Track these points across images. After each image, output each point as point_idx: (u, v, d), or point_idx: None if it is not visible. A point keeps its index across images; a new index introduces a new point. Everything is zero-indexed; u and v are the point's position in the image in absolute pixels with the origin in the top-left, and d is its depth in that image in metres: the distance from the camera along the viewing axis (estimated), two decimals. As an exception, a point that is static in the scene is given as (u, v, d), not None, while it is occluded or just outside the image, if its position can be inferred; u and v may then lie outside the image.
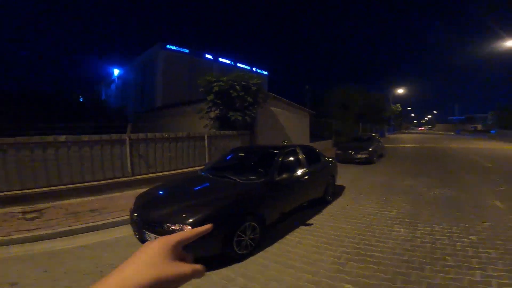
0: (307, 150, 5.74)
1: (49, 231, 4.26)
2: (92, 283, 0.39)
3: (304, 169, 4.96)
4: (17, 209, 5.21)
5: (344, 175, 8.96)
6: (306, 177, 4.88)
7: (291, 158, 5.04)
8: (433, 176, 8.41)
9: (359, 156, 11.58)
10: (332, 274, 2.99)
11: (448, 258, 3.26)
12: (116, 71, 34.11)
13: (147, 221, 3.28)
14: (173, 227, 2.99)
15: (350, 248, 3.60)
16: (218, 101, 8.85)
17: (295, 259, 3.34)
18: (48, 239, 4.16)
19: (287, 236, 4.06)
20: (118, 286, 0.38)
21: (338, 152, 12.39)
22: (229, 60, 31.42)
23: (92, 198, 5.88)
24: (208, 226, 0.55)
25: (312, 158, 5.63)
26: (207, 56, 28.70)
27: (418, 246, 3.59)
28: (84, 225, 4.46)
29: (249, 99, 8.85)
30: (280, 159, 4.52)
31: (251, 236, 3.45)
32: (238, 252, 3.27)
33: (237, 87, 8.63)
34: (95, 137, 6.25)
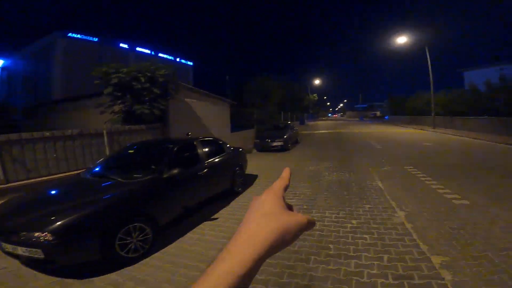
0: (208, 142, 5.84)
1: None
2: None
3: (203, 162, 5.02)
4: None
5: (260, 163, 9.58)
6: (205, 171, 4.90)
7: (187, 153, 5.00)
8: (335, 160, 9.73)
9: (274, 144, 12.48)
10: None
11: (331, 246, 3.40)
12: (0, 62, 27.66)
13: (1, 231, 2.91)
14: (31, 235, 2.73)
15: None
16: (119, 93, 8.17)
17: (191, 258, 3.33)
18: None
19: (189, 234, 4.03)
20: (246, 243, 0.36)
21: (257, 141, 13.08)
22: (148, 49, 29.18)
23: None
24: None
25: (214, 150, 5.77)
26: (122, 45, 26.10)
27: (309, 235, 3.62)
28: None
29: (155, 91, 8.38)
30: (172, 154, 4.41)
31: (140, 238, 3.34)
32: (125, 255, 3.16)
33: (142, 78, 8.07)
34: None
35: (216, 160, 5.52)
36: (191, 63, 38.80)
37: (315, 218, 0.50)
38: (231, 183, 5.81)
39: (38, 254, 2.71)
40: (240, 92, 22.19)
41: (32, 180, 5.93)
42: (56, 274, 3.00)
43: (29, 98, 21.89)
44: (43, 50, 22.27)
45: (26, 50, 24.42)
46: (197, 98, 12.12)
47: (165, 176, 3.94)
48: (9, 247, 2.81)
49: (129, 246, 3.19)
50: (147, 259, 3.31)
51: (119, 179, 3.87)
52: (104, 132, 7.37)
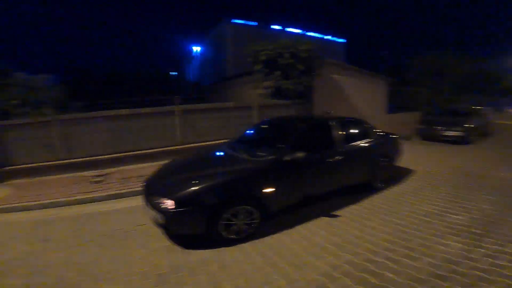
0: (349, 124, 4.63)
1: (101, 194, 4.85)
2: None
3: (337, 147, 3.99)
4: (92, 173, 6.15)
5: (421, 155, 7.19)
6: (337, 158, 3.90)
7: (319, 134, 4.14)
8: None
9: (449, 133, 9.12)
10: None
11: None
12: (195, 48, 36.91)
13: (148, 192, 3.29)
14: (158, 200, 2.93)
15: (359, 259, 2.70)
16: (267, 70, 8.38)
17: (284, 257, 2.80)
18: (98, 201, 4.73)
19: (297, 227, 3.43)
20: None
21: (421, 126, 10.10)
22: (297, 29, 29.61)
23: (145, 164, 6.42)
24: None
25: (356, 134, 4.52)
26: (274, 27, 27.94)
27: (459, 273, 2.41)
28: (127, 190, 4.90)
29: (299, 66, 8.05)
30: (298, 134, 3.73)
31: (246, 221, 3.08)
32: (226, 236, 3.01)
33: (285, 54, 7.94)
34: (149, 109, 6.70)
35: (356, 146, 4.34)
36: (343, 40, 36.43)
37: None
38: (371, 176, 4.52)
39: (160, 218, 2.90)
40: (401, 69, 18.10)
41: (199, 144, 7.07)
42: (173, 240, 3.18)
43: (214, 77, 27.96)
44: (218, 36, 27.50)
45: (208, 37, 31.21)
46: (346, 74, 10.67)
47: (286, 158, 3.37)
48: (150, 208, 3.08)
49: (232, 227, 3.03)
50: (245, 244, 3.05)
51: (243, 156, 3.67)
52: (254, 105, 7.72)
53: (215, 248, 3.00)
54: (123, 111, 6.44)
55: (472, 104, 15.54)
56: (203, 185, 2.98)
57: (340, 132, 4.11)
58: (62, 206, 4.59)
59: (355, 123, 4.75)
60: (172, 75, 28.44)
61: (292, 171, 3.47)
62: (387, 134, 5.14)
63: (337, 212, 3.84)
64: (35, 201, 4.64)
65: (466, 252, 2.75)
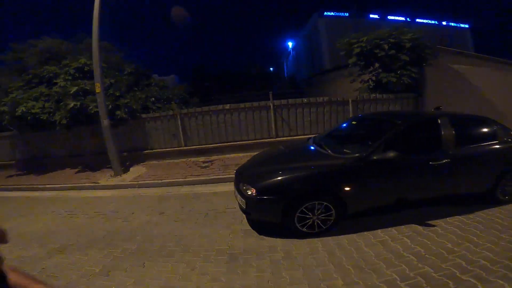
0: (467, 122, 3.74)
1: (206, 177, 5.68)
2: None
3: (446, 149, 3.26)
4: (202, 158, 7.27)
5: None
6: (444, 161, 3.19)
7: (423, 133, 3.53)
8: None
9: None
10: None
11: None
12: (290, 44, 37.87)
13: (238, 180, 3.55)
14: (244, 187, 3.17)
15: (439, 274, 2.29)
16: (362, 63, 7.80)
17: (350, 259, 2.64)
18: (204, 184, 5.54)
19: (379, 231, 3.09)
20: None
21: None
22: (402, 17, 26.02)
23: (243, 154, 7.05)
24: None
25: (476, 134, 3.58)
26: (372, 16, 25.53)
27: None
28: (226, 176, 5.54)
29: (403, 57, 7.08)
30: (393, 132, 3.23)
31: (321, 217, 3.03)
32: (299, 228, 3.05)
33: (384, 46, 7.13)
34: (248, 104, 7.32)
35: (474, 149, 3.42)
36: (466, 26, 29.89)
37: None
38: (493, 186, 3.52)
39: (243, 204, 3.16)
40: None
41: (291, 138, 7.25)
42: (253, 225, 3.45)
43: (309, 71, 28.19)
44: (311, 30, 27.45)
45: (302, 32, 31.53)
46: (473, 64, 8.63)
47: (375, 157, 3.02)
48: (237, 194, 3.37)
49: (307, 221, 3.03)
50: (316, 239, 3.03)
51: (329, 151, 3.48)
52: (350, 100, 7.29)
53: (288, 238, 3.08)
54: (226, 106, 7.28)
55: None
56: (283, 177, 3.08)
57: (453, 132, 3.38)
58: (177, 185, 5.61)
59: (477, 121, 3.77)
60: (271, 71, 30.10)
61: (381, 171, 3.11)
62: None
63: (434, 222, 3.22)
64: (160, 179, 5.85)
65: None
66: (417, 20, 27.02)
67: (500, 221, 3.17)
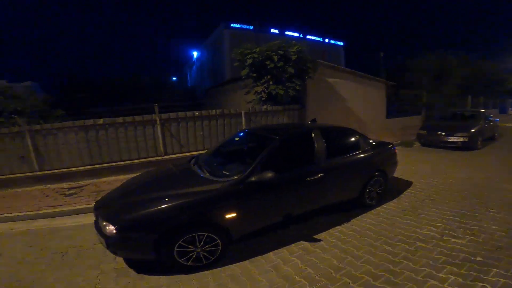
0: (336, 133, 4.14)
1: (69, 208, 4.49)
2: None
3: (320, 162, 3.48)
4: (66, 185, 5.76)
5: (421, 165, 6.67)
6: (319, 176, 3.38)
7: (297, 147, 3.66)
8: None
9: (453, 139, 8.59)
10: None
11: None
12: (195, 54, 36.92)
13: (96, 214, 2.97)
14: (104, 223, 2.64)
15: None
16: (254, 74, 7.89)
17: None
18: (65, 215, 4.40)
19: (271, 254, 3.02)
20: None
21: (422, 132, 9.58)
22: (296, 33, 29.44)
23: (125, 176, 6.00)
24: None
25: (344, 145, 4.03)
26: (273, 30, 27.83)
27: None
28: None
29: (289, 70, 7.52)
30: (270, 150, 3.18)
31: (205, 248, 2.74)
32: (184, 263, 2.70)
33: (275, 57, 7.42)
34: (129, 118, 6.30)
35: (343, 160, 3.81)
36: (341, 43, 36.17)
37: None
38: (360, 192, 4.01)
39: (104, 244, 2.67)
40: (401, 71, 17.53)
41: (182, 155, 6.65)
42: (130, 262, 2.94)
43: (211, 82, 27.75)
44: (216, 40, 27.61)
45: (207, 42, 31.16)
46: (342, 77, 10.22)
47: (253, 179, 2.91)
48: (96, 230, 2.83)
49: (191, 254, 2.71)
50: (206, 272, 2.74)
51: (206, 174, 3.22)
52: (242, 112, 7.29)
53: (174, 274, 2.67)
54: (100, 121, 6.05)
55: (475, 107, 14.97)
56: (150, 210, 2.62)
57: (324, 144, 3.62)
58: (28, 219, 4.30)
59: (344, 132, 4.23)
60: (170, 82, 28.27)
61: (260, 193, 2.99)
62: (381, 144, 4.64)
63: (319, 235, 3.37)
64: (2, 213, 4.33)
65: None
66: (308, 36, 31.14)
67: (372, 228, 3.50)
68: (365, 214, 3.94)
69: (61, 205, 4.61)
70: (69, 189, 5.49)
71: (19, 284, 2.68)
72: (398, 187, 4.99)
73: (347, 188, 3.89)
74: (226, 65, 24.37)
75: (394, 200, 4.42)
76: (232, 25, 25.70)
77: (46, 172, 5.81)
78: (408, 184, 5.19)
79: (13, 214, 4.35)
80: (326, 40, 34.09)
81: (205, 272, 2.72)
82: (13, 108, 6.74)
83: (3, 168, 5.64)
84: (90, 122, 6.00)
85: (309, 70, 8.16)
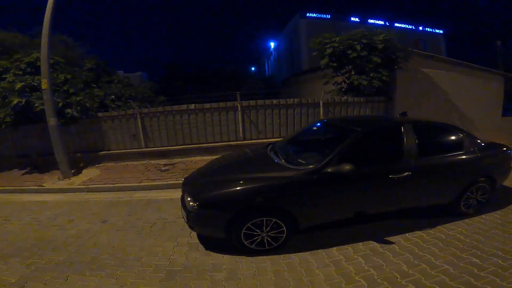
0: (432, 130, 3.56)
1: (163, 182, 5.28)
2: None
3: (408, 159, 3.06)
4: (163, 161, 6.81)
5: None
6: (405, 174, 2.97)
7: (383, 142, 3.31)
8: None
9: None
10: None
11: None
12: (272, 44, 37.71)
13: (183, 190, 3.26)
14: (188, 199, 2.90)
15: None
16: (334, 64, 7.49)
17: (298, 282, 2.41)
18: (160, 189, 5.16)
19: (334, 249, 2.89)
20: None
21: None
22: (381, 20, 26.55)
23: (209, 157, 6.66)
24: None
25: (441, 143, 3.44)
26: (352, 19, 25.86)
27: None
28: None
29: (375, 59, 6.87)
30: (350, 142, 2.96)
31: (271, 234, 2.79)
32: (248, 246, 2.80)
33: (357, 46, 6.89)
34: (214, 105, 6.95)
35: (438, 159, 3.23)
36: (441, 31, 30.96)
37: None
38: (456, 198, 3.36)
39: (185, 217, 2.90)
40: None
41: (259, 141, 6.93)
42: (201, 238, 3.18)
43: (288, 71, 27.99)
44: (293, 31, 27.36)
45: (284, 32, 31.38)
46: (444, 68, 8.70)
47: (329, 170, 2.75)
48: (181, 205, 3.12)
49: (256, 238, 2.77)
50: (266, 257, 2.78)
51: (282, 161, 3.18)
52: (321, 102, 7.09)
53: (236, 255, 2.83)
54: (191, 106, 6.86)
55: None
56: (228, 190, 2.80)
57: (416, 141, 3.16)
58: (131, 190, 5.18)
59: (441, 129, 3.60)
60: (250, 71, 29.69)
61: (336, 185, 2.85)
62: (493, 145, 3.76)
63: (393, 238, 3.03)
64: (112, 183, 5.40)
65: None
66: (396, 24, 27.66)
67: (462, 238, 3.00)
68: (456, 222, 3.36)
69: (157, 179, 5.46)
70: (164, 165, 6.46)
71: (112, 250, 3.03)
72: (505, 199, 4.01)
73: (440, 191, 3.35)
74: (303, 55, 24.01)
75: (498, 212, 3.60)
76: (308, 14, 25.02)
77: (149, 149, 6.96)
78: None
79: (120, 185, 5.30)
80: (420, 28, 29.67)
81: (265, 257, 2.78)
82: (128, 94, 8.27)
83: (119, 144, 7.01)
84: (184, 107, 6.88)
85: (398, 60, 7.32)
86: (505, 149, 3.73)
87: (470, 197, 3.46)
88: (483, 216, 3.51)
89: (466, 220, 3.42)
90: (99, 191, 5.25)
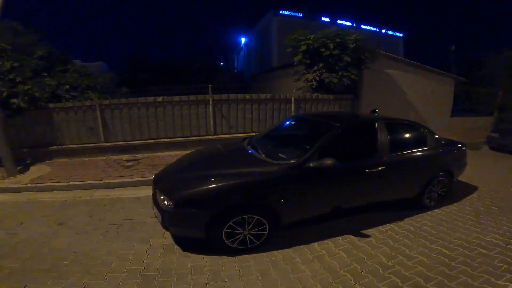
0: (401, 127, 3.77)
1: (127, 180, 4.87)
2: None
3: (381, 155, 3.21)
4: (126, 157, 6.31)
5: (490, 170, 5.86)
6: (379, 169, 3.13)
7: (359, 137, 3.42)
8: None
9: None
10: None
11: None
12: (243, 40, 37.31)
13: (155, 188, 3.03)
14: (162, 197, 2.69)
15: None
16: (307, 61, 7.62)
17: (284, 279, 2.38)
18: (124, 187, 4.76)
19: (316, 244, 2.91)
20: None
21: (494, 134, 8.38)
22: (349, 22, 27.71)
23: (177, 152, 6.35)
24: None
25: (409, 140, 3.67)
26: (323, 19, 26.58)
27: None
28: (152, 178, 4.78)
29: (346, 58, 7.15)
30: (330, 137, 3.02)
31: (253, 232, 2.71)
32: (229, 245, 2.68)
33: (330, 44, 7.09)
34: (184, 97, 6.60)
35: (407, 155, 3.46)
36: (400, 35, 33.25)
37: None
38: (420, 191, 3.64)
39: (159, 217, 2.71)
40: (473, 67, 15.36)
41: (231, 136, 6.78)
42: (176, 239, 2.98)
43: (258, 67, 27.83)
44: (264, 27, 27.35)
45: (255, 28, 31.22)
46: (403, 69, 9.35)
47: (311, 165, 2.77)
48: (153, 203, 2.91)
49: (237, 237, 2.68)
50: (248, 256, 2.70)
51: (262, 156, 3.11)
52: (292, 98, 7.14)
53: (217, 255, 2.68)
54: (159, 98, 6.45)
55: None
56: (207, 187, 2.62)
57: (388, 137, 3.31)
58: (90, 189, 4.70)
59: (409, 126, 3.82)
60: (220, 66, 29.06)
61: (316, 180, 2.86)
62: (451, 142, 4.12)
63: (368, 231, 3.15)
64: (67, 181, 4.83)
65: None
66: (362, 26, 29.11)
67: (429, 229, 3.19)
68: (420, 215, 3.59)
69: (120, 176, 5.02)
70: (128, 161, 6.00)
71: (74, 256, 2.71)
72: (461, 191, 4.43)
73: (408, 185, 3.56)
74: (274, 52, 24.12)
75: (455, 204, 3.93)
76: (281, 12, 25.16)
77: (110, 143, 6.41)
78: (472, 188, 4.59)
79: (77, 183, 4.76)
80: (383, 31, 31.57)
81: (247, 256, 2.68)
82: (86, 85, 7.50)
83: (74, 138, 6.33)
84: (150, 99, 6.44)
85: (366, 60, 7.70)
86: (460, 145, 4.10)
87: (432, 190, 3.72)
88: (443, 208, 3.78)
89: (429, 212, 3.66)
90: (52, 190, 4.67)
